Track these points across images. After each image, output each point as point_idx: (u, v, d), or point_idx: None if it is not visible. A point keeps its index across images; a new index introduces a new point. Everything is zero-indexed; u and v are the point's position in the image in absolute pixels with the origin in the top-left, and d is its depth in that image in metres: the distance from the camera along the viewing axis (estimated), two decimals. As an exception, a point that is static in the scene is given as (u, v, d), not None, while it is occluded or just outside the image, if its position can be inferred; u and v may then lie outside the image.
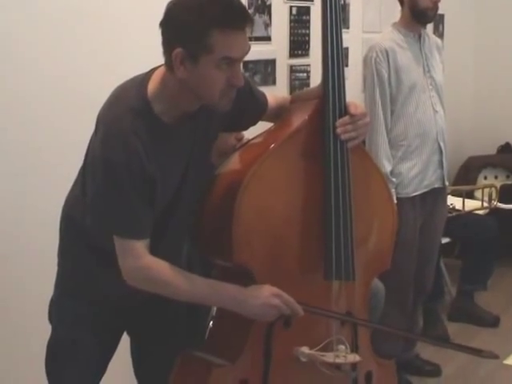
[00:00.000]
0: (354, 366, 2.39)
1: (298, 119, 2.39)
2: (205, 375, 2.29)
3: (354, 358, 2.36)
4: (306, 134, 2.36)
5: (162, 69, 2.18)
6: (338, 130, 2.33)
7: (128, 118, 2.12)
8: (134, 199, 2.14)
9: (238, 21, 2.07)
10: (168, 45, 2.09)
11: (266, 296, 2.22)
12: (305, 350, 2.33)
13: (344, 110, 2.36)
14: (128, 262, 2.19)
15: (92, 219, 2.24)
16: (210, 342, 2.47)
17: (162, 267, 2.20)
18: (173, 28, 2.08)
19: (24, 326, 3.12)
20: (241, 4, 2.14)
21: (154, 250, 2.27)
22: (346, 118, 2.34)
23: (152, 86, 2.17)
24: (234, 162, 2.45)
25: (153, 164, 2.15)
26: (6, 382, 3.11)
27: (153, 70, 2.22)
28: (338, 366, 2.34)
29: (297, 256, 2.35)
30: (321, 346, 2.34)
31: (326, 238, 2.35)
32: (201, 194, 2.39)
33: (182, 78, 2.10)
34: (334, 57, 2.37)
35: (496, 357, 2.38)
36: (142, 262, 2.18)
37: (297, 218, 2.35)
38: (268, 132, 2.47)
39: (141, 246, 2.18)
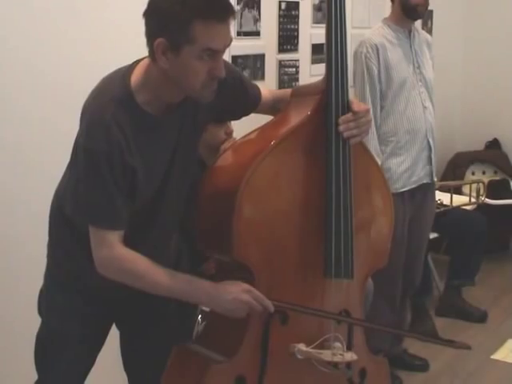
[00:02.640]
0: (348, 363, 2.38)
1: (300, 115, 2.36)
2: (202, 370, 2.27)
3: (351, 356, 2.35)
4: (308, 130, 2.34)
5: (146, 60, 2.18)
6: (341, 128, 2.31)
7: (110, 108, 2.13)
8: (113, 189, 2.14)
9: (221, 12, 2.07)
10: (150, 35, 2.10)
11: (236, 291, 2.22)
12: (302, 347, 2.32)
13: (347, 107, 2.33)
14: (101, 252, 2.20)
15: (70, 207, 2.27)
16: (206, 337, 2.46)
17: (135, 259, 2.20)
18: (155, 18, 2.08)
19: (14, 318, 3.11)
20: None
21: (141, 242, 2.28)
22: (349, 115, 2.32)
23: (135, 76, 2.18)
24: (234, 156, 2.44)
25: (135, 155, 2.16)
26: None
27: (137, 62, 2.23)
28: (335, 365, 2.34)
29: (296, 253, 2.34)
30: (317, 343, 2.33)
31: (326, 235, 2.33)
32: (191, 185, 2.38)
33: (163, 68, 2.10)
34: (338, 54, 2.34)
35: (468, 347, 2.38)
36: (115, 252, 2.19)
37: (297, 215, 2.33)
38: (269, 126, 2.44)
39: (115, 237, 2.18)
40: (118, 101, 2.14)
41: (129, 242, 2.29)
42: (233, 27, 4.04)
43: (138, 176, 2.18)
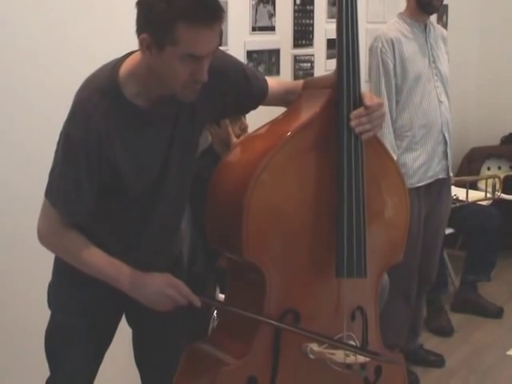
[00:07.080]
0: (363, 363, 2.33)
1: (311, 109, 2.31)
2: (213, 371, 2.24)
3: (364, 357, 2.30)
4: (319, 126, 2.28)
5: (138, 53, 2.15)
6: (353, 123, 2.24)
7: (94, 99, 2.12)
8: (83, 178, 2.13)
9: (208, 18, 2.00)
10: (138, 27, 2.06)
11: (162, 285, 2.21)
12: (314, 347, 2.26)
13: (359, 101, 2.27)
14: (45, 226, 2.24)
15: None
16: (218, 336, 2.41)
17: (73, 237, 2.22)
18: (143, 12, 2.04)
19: (25, 313, 3.12)
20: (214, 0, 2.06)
21: (140, 232, 2.29)
22: (361, 110, 2.25)
23: (125, 67, 2.15)
24: (243, 152, 2.39)
25: (118, 147, 2.14)
26: (8, 367, 3.12)
27: (129, 54, 2.21)
28: (348, 365, 2.30)
29: (307, 252, 2.29)
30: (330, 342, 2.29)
31: (338, 234, 2.27)
32: (202, 180, 2.35)
33: (147, 62, 2.08)
34: (349, 47, 2.28)
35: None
36: (56, 229, 2.22)
37: (308, 213, 2.27)
38: (279, 121, 2.39)
39: (64, 220, 2.21)
40: (103, 91, 2.12)
41: (127, 234, 2.30)
42: (248, 22, 4.12)
43: (121, 169, 2.16)
